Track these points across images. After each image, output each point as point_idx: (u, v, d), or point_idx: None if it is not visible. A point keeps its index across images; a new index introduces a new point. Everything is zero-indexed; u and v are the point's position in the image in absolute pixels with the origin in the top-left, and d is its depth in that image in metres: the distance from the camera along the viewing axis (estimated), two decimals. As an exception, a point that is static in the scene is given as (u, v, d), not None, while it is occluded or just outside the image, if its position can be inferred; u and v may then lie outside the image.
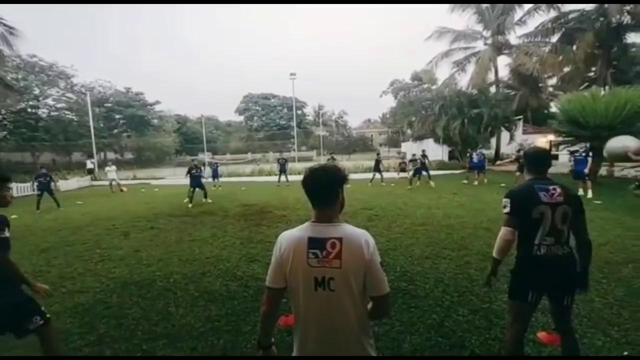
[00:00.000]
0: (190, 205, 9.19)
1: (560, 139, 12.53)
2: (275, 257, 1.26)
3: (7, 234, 1.91)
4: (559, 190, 1.83)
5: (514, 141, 20.25)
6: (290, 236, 1.25)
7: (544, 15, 17.84)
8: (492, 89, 21.22)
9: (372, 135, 58.95)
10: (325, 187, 1.24)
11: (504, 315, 2.80)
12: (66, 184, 16.98)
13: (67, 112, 32.45)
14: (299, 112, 49.12)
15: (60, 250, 5.44)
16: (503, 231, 1.90)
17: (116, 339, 2.76)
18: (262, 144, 46.31)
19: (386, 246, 4.89)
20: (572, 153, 9.58)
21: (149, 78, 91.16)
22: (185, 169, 10.39)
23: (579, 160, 8.89)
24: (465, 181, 12.45)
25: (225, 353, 2.52)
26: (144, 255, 5.00)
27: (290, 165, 15.48)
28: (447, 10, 20.02)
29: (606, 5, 14.32)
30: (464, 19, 20.73)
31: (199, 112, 61.75)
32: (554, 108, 16.51)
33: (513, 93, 21.59)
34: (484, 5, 19.67)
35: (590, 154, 9.15)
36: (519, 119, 22.10)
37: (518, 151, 12.78)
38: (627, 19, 14.68)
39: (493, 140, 20.86)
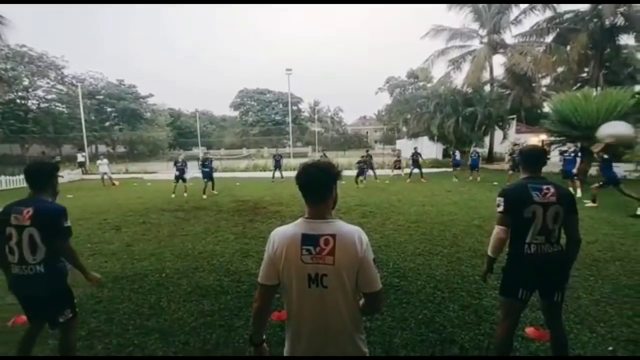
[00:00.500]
0: (204, 197, 9.76)
1: (553, 138, 12.72)
2: (267, 254, 1.25)
3: (69, 223, 2.00)
4: (552, 189, 1.85)
5: (507, 140, 20.48)
6: (284, 233, 1.24)
7: (539, 15, 17.99)
8: (487, 88, 21.38)
9: (367, 132, 59.05)
10: (318, 184, 1.23)
11: (493, 311, 2.85)
12: (57, 177, 16.64)
13: (57, 103, 31.80)
14: (295, 108, 48.92)
15: (50, 244, 5.36)
16: (497, 230, 1.93)
17: (107, 333, 2.74)
18: (257, 140, 46.09)
19: (379, 243, 4.93)
20: (562, 153, 9.73)
21: (142, 73, 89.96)
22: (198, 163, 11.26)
23: (568, 160, 9.05)
24: (456, 179, 12.67)
25: (217, 348, 2.53)
26: (136, 249, 4.96)
27: (285, 161, 15.42)
28: (445, 9, 20.04)
29: (600, 6, 14.47)
30: (460, 17, 20.75)
31: (193, 107, 61.14)
32: (547, 108, 16.70)
33: (507, 92, 21.81)
34: (481, 4, 19.72)
35: (579, 154, 9.30)
36: (513, 118, 22.35)
37: (514, 146, 13.05)
38: (620, 20, 14.87)
39: (487, 139, 21.05)
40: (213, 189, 10.61)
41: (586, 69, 17.16)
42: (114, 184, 14.01)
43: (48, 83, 31.22)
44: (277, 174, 13.94)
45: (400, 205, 7.97)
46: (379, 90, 48.02)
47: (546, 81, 21.76)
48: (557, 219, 1.83)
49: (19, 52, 28.42)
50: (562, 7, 16.67)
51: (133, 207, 8.51)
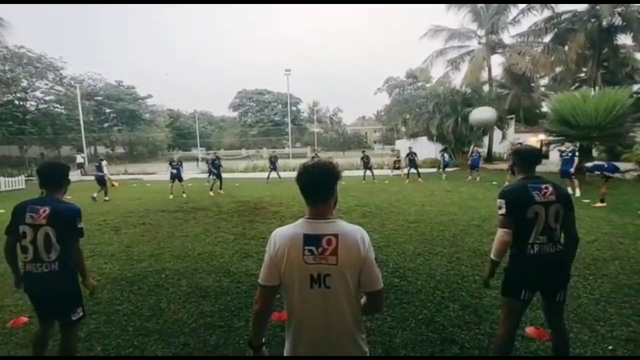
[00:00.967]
0: (211, 194, 10.38)
1: (551, 138, 12.75)
2: (268, 255, 1.23)
3: (82, 224, 2.03)
4: (550, 188, 1.85)
5: (506, 140, 20.50)
6: (285, 233, 1.23)
7: (537, 15, 18.02)
8: (486, 88, 21.40)
9: (366, 133, 59.07)
10: (320, 184, 1.23)
11: (493, 311, 2.85)
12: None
13: (56, 105, 31.61)
14: (294, 108, 48.92)
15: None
16: (500, 233, 1.90)
17: (106, 334, 2.73)
18: (256, 140, 46.07)
19: (380, 243, 4.93)
20: (561, 152, 9.76)
21: (141, 74, 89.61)
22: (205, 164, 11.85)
23: (565, 160, 9.07)
24: (444, 179, 12.97)
25: (217, 349, 2.52)
26: (135, 250, 4.94)
27: (284, 161, 15.49)
28: (444, 9, 20.06)
29: (598, 6, 14.52)
30: (459, 17, 20.77)
31: (192, 108, 61.06)
32: (545, 108, 16.76)
33: (506, 92, 21.81)
34: (479, 5, 19.76)
35: (577, 153, 9.34)
36: (512, 118, 22.37)
37: (514, 146, 13.13)
38: (618, 20, 14.92)
39: (486, 139, 21.08)
40: (221, 188, 10.95)
41: (584, 69, 17.20)
42: (113, 185, 13.96)
43: (47, 84, 31.03)
44: (274, 174, 14.00)
45: (400, 205, 7.97)
46: (378, 90, 48.20)
47: (544, 81, 21.82)
48: (558, 218, 1.83)
49: (17, 53, 28.28)
50: (560, 7, 16.73)
51: (132, 208, 8.50)
